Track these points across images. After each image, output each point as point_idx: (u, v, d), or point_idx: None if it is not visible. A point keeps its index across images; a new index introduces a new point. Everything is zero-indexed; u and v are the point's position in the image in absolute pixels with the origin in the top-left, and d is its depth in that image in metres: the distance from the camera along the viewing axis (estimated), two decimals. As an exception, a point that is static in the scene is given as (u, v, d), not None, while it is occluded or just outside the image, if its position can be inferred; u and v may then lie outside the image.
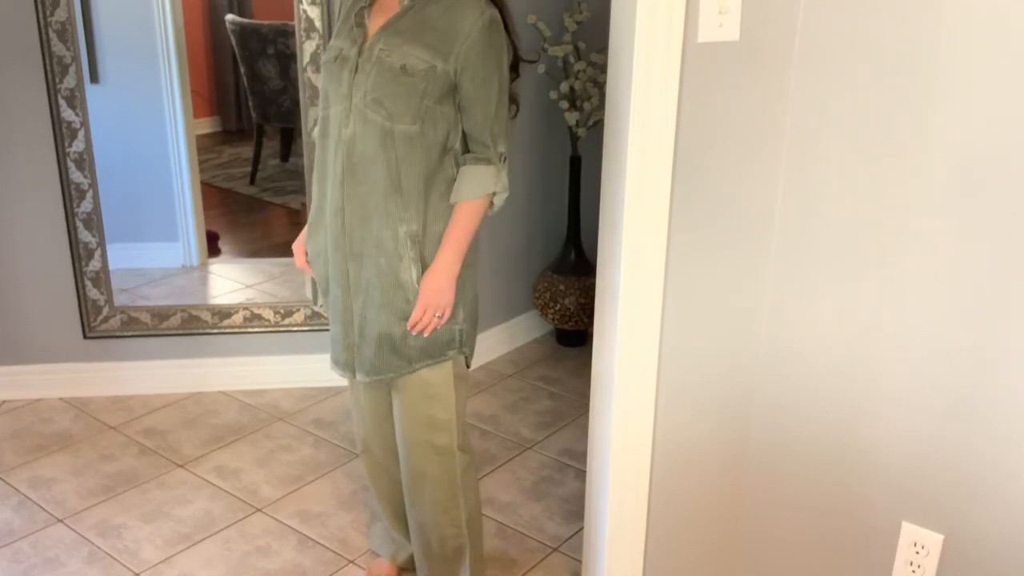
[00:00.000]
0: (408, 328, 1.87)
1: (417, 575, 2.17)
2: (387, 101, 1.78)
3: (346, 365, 1.97)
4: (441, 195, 1.86)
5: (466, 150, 1.87)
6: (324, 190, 1.90)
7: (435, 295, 1.85)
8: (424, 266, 1.86)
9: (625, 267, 1.79)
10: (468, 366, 2.02)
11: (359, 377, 1.95)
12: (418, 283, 1.86)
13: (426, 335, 1.88)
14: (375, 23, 1.82)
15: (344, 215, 1.85)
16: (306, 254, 2.04)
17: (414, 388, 1.94)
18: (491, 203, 1.89)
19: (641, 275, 1.79)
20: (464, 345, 1.96)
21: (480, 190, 1.85)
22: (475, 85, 1.79)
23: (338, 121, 1.82)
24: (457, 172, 1.87)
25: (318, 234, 1.95)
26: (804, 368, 1.81)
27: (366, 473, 2.21)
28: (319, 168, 1.91)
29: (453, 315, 1.90)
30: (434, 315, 1.86)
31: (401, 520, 2.22)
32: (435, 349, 1.91)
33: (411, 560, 2.25)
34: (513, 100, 1.92)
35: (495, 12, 1.78)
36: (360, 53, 1.80)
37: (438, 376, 1.94)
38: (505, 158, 1.86)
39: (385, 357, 1.90)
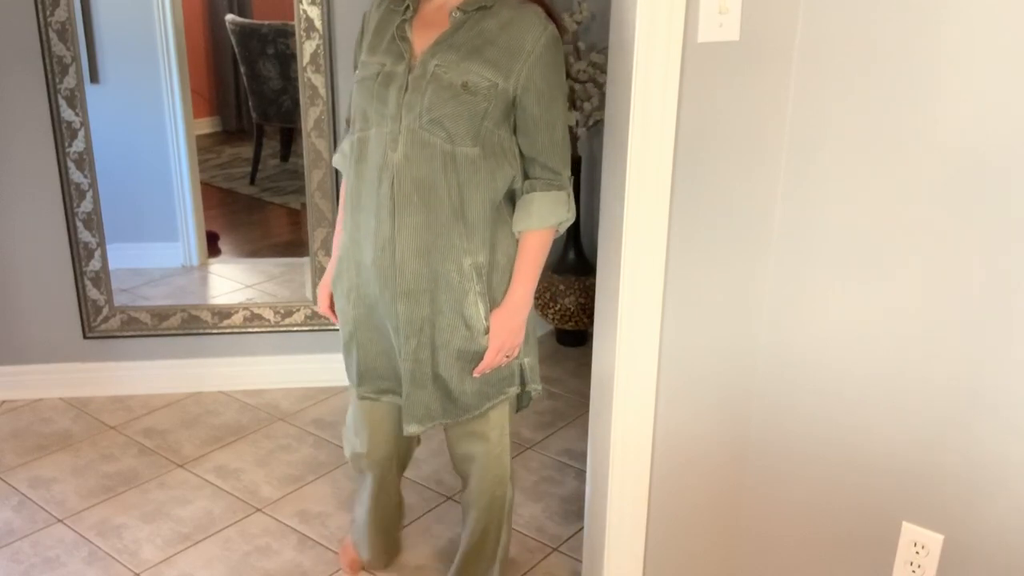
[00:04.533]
0: (475, 374, 1.78)
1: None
2: (447, 121, 1.64)
3: (387, 391, 1.87)
4: (505, 223, 1.75)
5: (525, 177, 1.75)
6: (360, 221, 1.74)
7: (510, 336, 1.76)
8: (491, 300, 1.76)
9: (625, 267, 1.78)
10: (531, 399, 1.94)
11: (412, 428, 1.81)
12: (486, 320, 1.75)
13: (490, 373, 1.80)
14: (421, 37, 1.69)
15: (395, 248, 1.70)
16: (331, 297, 1.91)
17: (471, 426, 1.89)
18: (556, 231, 1.79)
19: (641, 275, 1.79)
20: (528, 381, 1.88)
21: (553, 218, 1.73)
22: (540, 106, 1.67)
23: (382, 144, 1.67)
24: (519, 198, 1.75)
25: (348, 271, 1.81)
26: (804, 368, 1.81)
27: (372, 490, 2.12)
28: (353, 197, 1.75)
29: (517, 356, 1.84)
30: (505, 356, 1.78)
31: (384, 535, 2.23)
32: (492, 389, 1.83)
33: (375, 564, 2.29)
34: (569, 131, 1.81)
35: (555, 28, 1.67)
36: (410, 70, 1.66)
37: (496, 416, 1.88)
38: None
39: (443, 403, 1.81)
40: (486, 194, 1.69)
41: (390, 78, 1.67)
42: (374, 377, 1.87)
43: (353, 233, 1.77)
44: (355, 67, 1.80)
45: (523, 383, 1.88)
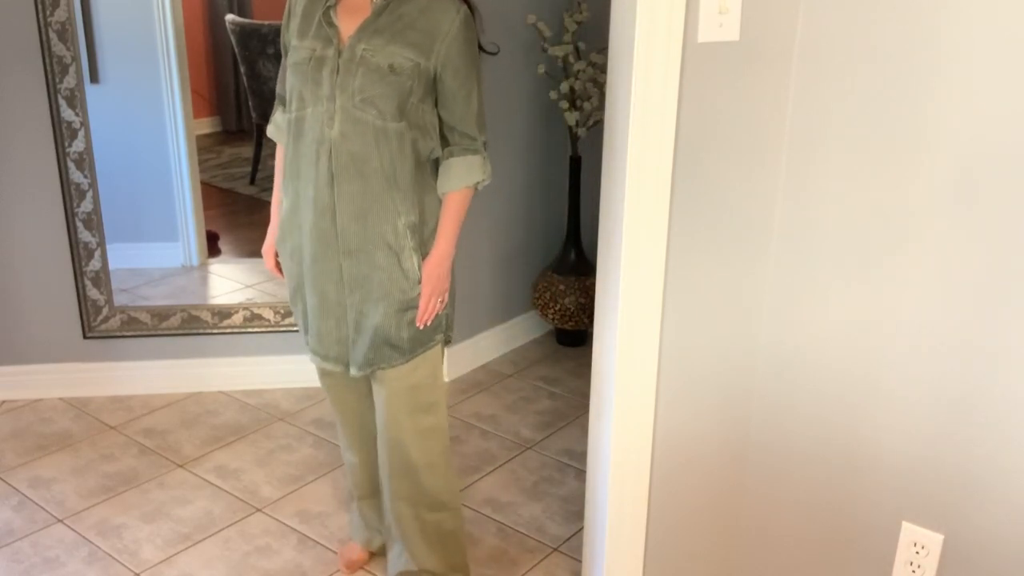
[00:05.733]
0: (417, 322, 1.94)
1: (394, 566, 2.19)
2: (378, 100, 1.81)
3: (338, 359, 2.01)
4: (431, 188, 1.93)
5: (446, 143, 1.93)
6: (300, 189, 1.91)
7: (439, 281, 1.94)
8: (423, 255, 1.93)
9: (625, 267, 1.79)
10: (449, 343, 2.09)
11: (353, 371, 1.99)
12: (419, 271, 1.92)
13: (429, 323, 1.95)
14: (346, 22, 1.83)
15: (335, 213, 1.87)
16: (276, 256, 2.08)
17: (403, 377, 1.99)
18: (475, 189, 1.96)
19: (641, 275, 1.79)
20: (449, 329, 2.05)
21: (470, 179, 1.93)
22: (457, 81, 1.85)
23: (319, 122, 1.84)
24: (441, 165, 1.93)
25: (291, 234, 1.97)
26: (804, 368, 1.81)
27: (358, 464, 2.25)
28: (291, 168, 1.92)
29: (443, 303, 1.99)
30: (438, 300, 1.95)
31: (378, 496, 2.27)
32: (425, 337, 1.98)
33: (383, 547, 2.31)
34: None
35: (467, 9, 1.84)
36: (339, 54, 1.82)
37: (427, 362, 2.00)
38: (487, 147, 1.95)
39: (380, 349, 1.95)
40: (413, 162, 1.87)
41: (321, 62, 1.83)
42: (328, 341, 2.00)
43: (294, 200, 1.94)
44: (283, 50, 1.96)
45: (446, 330, 2.05)
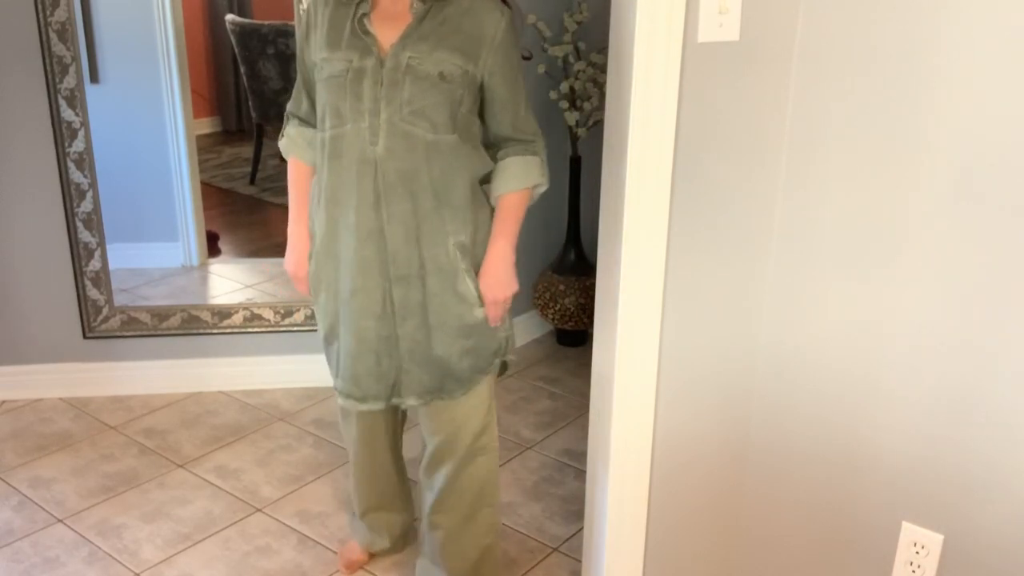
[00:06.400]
0: (491, 323, 1.85)
1: None
2: (429, 111, 1.69)
3: (378, 396, 1.88)
4: (483, 202, 1.83)
5: (495, 152, 1.84)
6: (338, 215, 1.78)
7: (500, 286, 1.83)
8: (477, 275, 1.83)
9: (625, 267, 1.79)
10: (506, 369, 1.99)
11: (410, 400, 1.88)
12: (476, 291, 1.82)
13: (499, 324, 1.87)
14: (383, 30, 1.72)
15: (384, 238, 1.75)
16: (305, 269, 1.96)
17: (457, 404, 1.92)
18: (532, 196, 1.86)
19: (641, 275, 1.79)
20: (507, 352, 1.94)
21: (528, 180, 1.82)
22: (507, 87, 1.77)
23: (360, 139, 1.71)
24: (497, 165, 1.83)
25: (326, 267, 1.85)
26: (804, 368, 1.81)
27: (368, 487, 2.20)
28: (330, 192, 1.78)
29: (501, 324, 1.89)
30: (505, 307, 1.85)
31: (386, 510, 2.25)
32: (484, 362, 1.89)
33: (383, 550, 2.30)
34: None
35: (510, 11, 1.75)
36: (382, 63, 1.70)
37: (482, 386, 1.93)
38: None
39: (440, 379, 1.86)
40: (466, 177, 1.77)
41: (361, 73, 1.70)
42: (353, 377, 1.89)
43: (329, 228, 1.81)
44: (301, 63, 1.85)
45: (504, 353, 1.96)
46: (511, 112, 1.80)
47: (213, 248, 3.52)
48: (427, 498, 2.08)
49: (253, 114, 3.59)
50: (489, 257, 1.82)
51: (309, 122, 1.92)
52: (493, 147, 1.84)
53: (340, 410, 2.10)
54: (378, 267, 1.78)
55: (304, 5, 2.79)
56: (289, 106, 1.94)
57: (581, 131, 3.26)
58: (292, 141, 1.92)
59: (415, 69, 1.68)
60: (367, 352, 1.85)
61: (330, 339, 1.92)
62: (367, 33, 1.71)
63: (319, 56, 1.76)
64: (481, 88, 1.76)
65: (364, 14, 1.72)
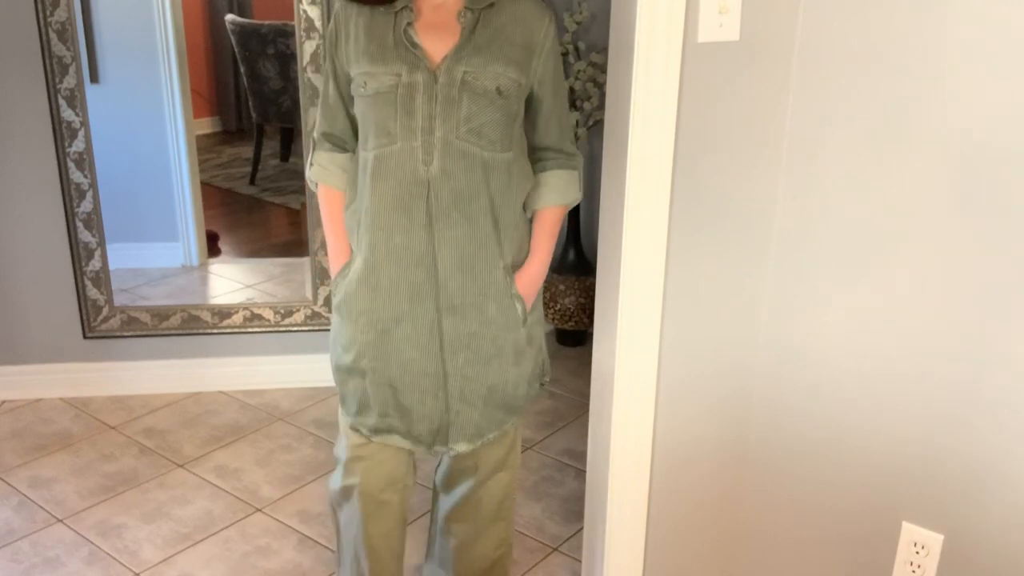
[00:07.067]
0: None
1: None
2: (487, 129, 1.60)
3: (420, 439, 1.75)
4: (526, 220, 1.75)
5: (538, 160, 1.76)
6: (378, 241, 1.64)
7: (533, 292, 1.76)
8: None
9: (625, 267, 1.79)
10: (543, 385, 1.93)
11: (460, 446, 1.76)
12: (524, 315, 1.74)
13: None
14: (430, 41, 1.60)
15: (435, 263, 1.64)
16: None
17: (502, 438, 1.87)
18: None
19: (641, 275, 1.79)
20: (546, 374, 1.90)
21: (569, 196, 1.76)
22: (554, 95, 1.70)
23: (411, 159, 1.59)
24: (537, 178, 1.75)
25: (360, 295, 1.69)
26: (804, 368, 1.81)
27: (382, 528, 1.90)
28: (373, 215, 1.64)
29: (540, 346, 1.83)
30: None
31: (398, 563, 1.99)
32: (533, 390, 1.85)
33: None
34: None
35: (552, 12, 1.68)
36: (436, 78, 1.58)
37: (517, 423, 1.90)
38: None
39: (494, 415, 1.77)
40: (518, 197, 1.69)
41: (412, 89, 1.58)
42: (375, 413, 1.76)
43: (371, 254, 1.66)
44: (331, 77, 1.70)
45: (542, 376, 1.91)
46: (556, 121, 1.72)
47: (213, 248, 3.52)
48: (443, 503, 2.03)
49: (253, 114, 3.58)
50: (525, 277, 1.73)
51: (343, 145, 1.76)
52: (530, 157, 1.76)
53: (339, 491, 1.88)
54: (428, 294, 1.66)
55: (307, 9, 2.79)
56: (318, 127, 1.77)
57: (581, 131, 3.26)
58: (324, 169, 1.75)
59: (472, 85, 1.58)
60: (414, 387, 1.71)
61: (351, 372, 1.74)
62: (415, 45, 1.59)
63: (359, 70, 1.62)
64: (530, 98, 1.68)
65: (409, 23, 1.59)
